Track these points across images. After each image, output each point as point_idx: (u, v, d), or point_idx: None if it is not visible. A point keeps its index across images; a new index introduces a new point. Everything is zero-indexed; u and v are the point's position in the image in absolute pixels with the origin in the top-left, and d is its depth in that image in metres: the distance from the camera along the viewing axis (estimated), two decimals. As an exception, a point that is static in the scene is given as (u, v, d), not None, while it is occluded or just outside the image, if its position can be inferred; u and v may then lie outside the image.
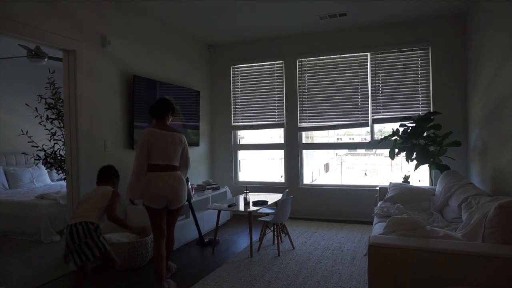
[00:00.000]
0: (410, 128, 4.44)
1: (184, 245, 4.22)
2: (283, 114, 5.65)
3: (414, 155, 4.35)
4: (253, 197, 4.34)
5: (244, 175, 6.22)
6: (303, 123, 5.56)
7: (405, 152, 4.41)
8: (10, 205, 4.66)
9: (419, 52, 4.95)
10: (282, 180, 5.79)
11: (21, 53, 5.03)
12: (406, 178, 4.65)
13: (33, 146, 4.82)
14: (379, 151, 6.55)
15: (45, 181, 6.16)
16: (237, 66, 5.91)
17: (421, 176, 5.87)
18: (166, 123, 3.02)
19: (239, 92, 5.93)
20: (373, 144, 5.21)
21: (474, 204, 2.79)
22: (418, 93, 4.95)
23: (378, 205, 3.94)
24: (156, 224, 2.93)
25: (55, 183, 6.16)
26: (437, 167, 4.29)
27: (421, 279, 2.04)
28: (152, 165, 2.88)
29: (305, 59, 5.50)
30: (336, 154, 12.85)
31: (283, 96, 5.63)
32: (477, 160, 4.20)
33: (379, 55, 5.12)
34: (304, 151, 5.72)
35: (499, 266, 1.92)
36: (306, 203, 5.50)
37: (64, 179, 4.10)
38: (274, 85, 5.71)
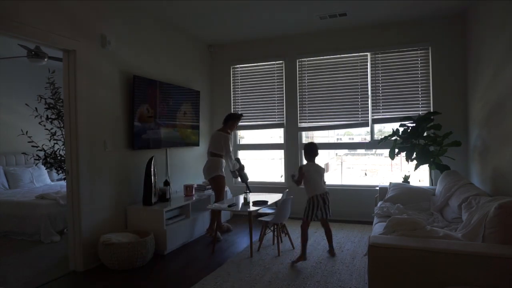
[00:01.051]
0: (410, 128, 4.44)
1: (184, 245, 4.22)
2: (283, 114, 5.65)
3: (414, 155, 4.35)
4: (253, 197, 4.34)
5: (244, 175, 6.21)
6: (303, 123, 5.56)
7: (405, 152, 4.41)
8: (10, 205, 4.66)
9: (419, 52, 4.95)
10: (282, 180, 5.79)
11: (21, 53, 5.03)
12: (406, 178, 4.65)
13: (33, 146, 4.82)
14: (379, 151, 6.55)
15: (45, 181, 6.15)
16: (237, 66, 5.91)
17: (421, 176, 5.86)
18: (225, 127, 4.59)
19: (239, 92, 5.93)
20: (373, 144, 5.21)
21: (474, 204, 2.79)
22: (418, 93, 4.95)
23: (378, 205, 3.95)
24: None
25: (55, 183, 6.16)
26: (437, 167, 4.29)
27: (421, 279, 2.04)
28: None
29: (305, 59, 5.50)
30: (336, 154, 12.82)
31: (283, 96, 5.63)
32: (477, 160, 4.20)
33: (379, 55, 5.12)
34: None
35: (499, 266, 1.93)
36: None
37: (64, 179, 4.10)
38: (274, 85, 5.71)
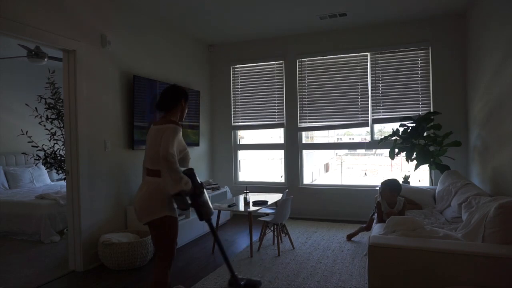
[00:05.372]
0: (410, 128, 4.44)
1: (184, 245, 4.22)
2: (283, 114, 5.65)
3: (414, 155, 4.35)
4: (253, 197, 4.34)
5: (244, 175, 6.22)
6: (303, 123, 5.56)
7: (405, 152, 4.41)
8: (10, 205, 4.66)
9: (419, 52, 4.95)
10: (282, 180, 5.79)
11: (21, 53, 5.03)
12: (406, 178, 4.65)
13: (33, 146, 4.82)
14: (379, 151, 6.56)
15: (45, 181, 6.16)
16: (237, 66, 5.91)
17: (421, 176, 5.87)
18: (169, 114, 2.48)
19: (239, 92, 5.93)
20: (373, 144, 5.21)
21: (474, 204, 2.80)
22: (418, 93, 4.95)
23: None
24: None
25: (55, 183, 6.16)
26: (437, 167, 4.29)
27: (421, 279, 2.04)
28: None
29: (305, 59, 5.50)
30: (336, 154, 12.85)
31: (283, 96, 5.63)
32: (477, 160, 4.20)
33: (379, 55, 5.12)
34: (304, 151, 5.72)
35: (499, 266, 1.93)
36: (306, 203, 5.50)
37: (64, 179, 4.10)
38: (274, 85, 5.71)
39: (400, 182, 3.49)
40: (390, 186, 3.37)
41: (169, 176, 2.14)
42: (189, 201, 2.25)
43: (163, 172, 2.18)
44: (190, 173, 2.28)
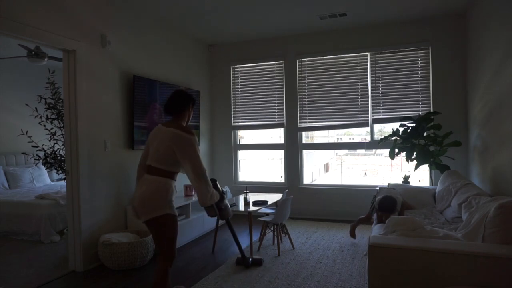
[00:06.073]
0: (410, 128, 4.44)
1: (184, 245, 4.22)
2: (283, 114, 5.65)
3: (414, 155, 4.35)
4: (253, 197, 4.34)
5: (244, 175, 6.22)
6: (303, 123, 5.56)
7: (405, 152, 4.41)
8: (10, 205, 4.66)
9: (419, 52, 4.95)
10: (282, 180, 5.79)
11: (21, 53, 5.03)
12: (406, 178, 4.65)
13: (33, 146, 4.82)
14: (379, 151, 6.56)
15: (45, 181, 6.15)
16: (237, 66, 5.91)
17: (421, 176, 5.87)
18: (178, 118, 2.68)
19: (239, 92, 5.93)
20: (373, 144, 5.21)
21: (474, 204, 2.80)
22: (418, 93, 4.95)
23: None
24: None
25: (55, 183, 6.16)
26: (437, 167, 4.29)
27: (421, 279, 2.04)
28: None
29: (305, 59, 5.50)
30: (336, 154, 12.85)
31: (283, 96, 5.63)
32: (477, 160, 4.20)
33: (379, 55, 5.12)
34: (304, 151, 5.71)
35: (499, 266, 1.93)
36: (306, 203, 5.50)
37: (64, 179, 4.10)
38: (274, 85, 5.71)
39: (392, 197, 3.45)
40: (392, 207, 3.34)
41: (203, 190, 2.34)
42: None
43: (197, 187, 2.35)
44: (215, 185, 2.73)
